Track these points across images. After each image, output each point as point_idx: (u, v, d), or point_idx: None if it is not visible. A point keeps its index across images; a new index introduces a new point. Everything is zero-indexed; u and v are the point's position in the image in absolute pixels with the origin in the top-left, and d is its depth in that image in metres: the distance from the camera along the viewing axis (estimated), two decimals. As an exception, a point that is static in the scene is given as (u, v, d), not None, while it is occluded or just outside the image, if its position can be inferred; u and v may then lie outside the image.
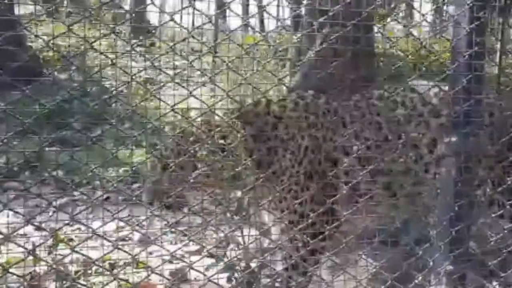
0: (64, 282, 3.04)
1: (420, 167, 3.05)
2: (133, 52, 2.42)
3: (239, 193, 3.03)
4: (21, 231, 2.99)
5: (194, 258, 3.33)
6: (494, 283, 3.14)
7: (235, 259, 3.35)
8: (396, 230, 3.06)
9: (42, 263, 2.95)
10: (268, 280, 3.19)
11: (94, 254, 2.30)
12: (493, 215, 3.06)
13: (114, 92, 4.49)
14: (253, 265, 3.38)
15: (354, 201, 2.82)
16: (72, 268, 3.36)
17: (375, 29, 6.15)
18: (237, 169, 2.67)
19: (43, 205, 4.12)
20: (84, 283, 3.08)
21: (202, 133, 2.77)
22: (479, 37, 2.53)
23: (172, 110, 2.00)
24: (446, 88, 2.77)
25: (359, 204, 2.62)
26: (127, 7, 14.67)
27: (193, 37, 2.10)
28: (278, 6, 14.34)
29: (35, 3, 3.74)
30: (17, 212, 1.89)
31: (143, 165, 3.28)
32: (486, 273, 3.17)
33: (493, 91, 5.67)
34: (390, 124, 3.04)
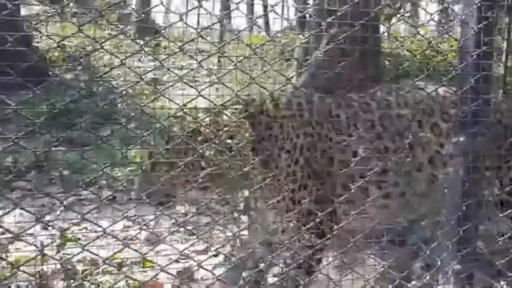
0: (72, 281, 3.06)
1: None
2: (142, 52, 2.44)
3: (246, 193, 3.03)
4: (29, 230, 3.01)
5: (200, 257, 3.34)
6: (502, 282, 3.13)
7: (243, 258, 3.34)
8: (404, 229, 3.06)
9: (50, 262, 2.97)
10: (276, 279, 3.19)
11: (101, 253, 2.31)
12: (500, 215, 3.05)
13: (123, 92, 4.51)
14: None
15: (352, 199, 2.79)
16: (80, 268, 3.37)
17: (382, 28, 6.14)
18: (245, 169, 2.67)
19: (51, 205, 4.15)
20: (92, 282, 3.10)
21: (210, 133, 2.77)
22: (487, 37, 2.53)
23: (182, 110, 2.01)
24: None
25: (360, 205, 2.61)
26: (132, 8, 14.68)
27: (201, 37, 2.12)
28: (283, 6, 14.34)
29: (41, 3, 3.76)
30: (28, 211, 1.90)
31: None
32: (493, 273, 3.16)
33: (500, 91, 5.66)
34: (384, 120, 3.01)
